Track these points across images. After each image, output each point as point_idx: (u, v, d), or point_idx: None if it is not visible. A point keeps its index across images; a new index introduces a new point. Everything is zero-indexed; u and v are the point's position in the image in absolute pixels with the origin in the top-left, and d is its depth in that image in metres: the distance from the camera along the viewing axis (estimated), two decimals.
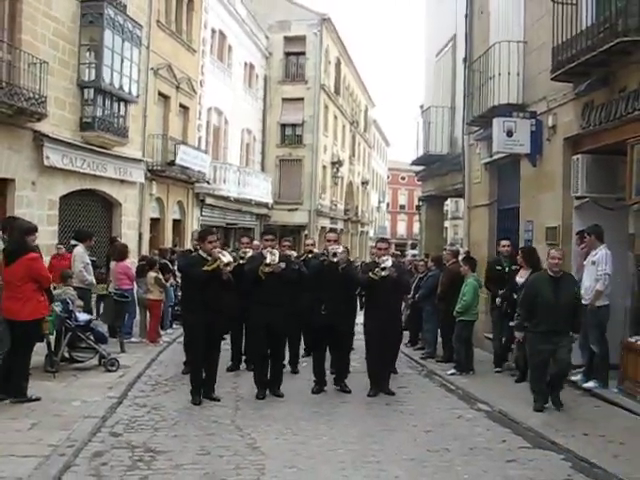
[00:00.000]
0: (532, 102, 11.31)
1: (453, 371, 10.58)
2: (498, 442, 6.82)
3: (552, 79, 9.69)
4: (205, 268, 7.90)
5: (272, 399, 8.38)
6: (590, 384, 8.84)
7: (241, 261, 9.63)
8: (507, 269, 10.66)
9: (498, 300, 10.48)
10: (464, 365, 10.62)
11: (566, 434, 6.96)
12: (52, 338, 9.24)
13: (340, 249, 9.02)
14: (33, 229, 7.78)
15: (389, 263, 8.69)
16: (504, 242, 11.11)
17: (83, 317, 9.66)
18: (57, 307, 9.19)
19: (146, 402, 8.00)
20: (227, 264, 7.90)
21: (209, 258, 8.00)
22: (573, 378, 9.33)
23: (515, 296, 9.69)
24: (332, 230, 10.30)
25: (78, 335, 9.45)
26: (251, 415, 7.54)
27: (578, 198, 10.06)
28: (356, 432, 7.01)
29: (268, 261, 8.25)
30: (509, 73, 11.65)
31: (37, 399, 7.44)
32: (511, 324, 9.54)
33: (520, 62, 11.63)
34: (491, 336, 12.85)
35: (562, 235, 10.27)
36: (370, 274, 8.80)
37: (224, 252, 8.15)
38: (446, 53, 17.64)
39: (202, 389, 8.11)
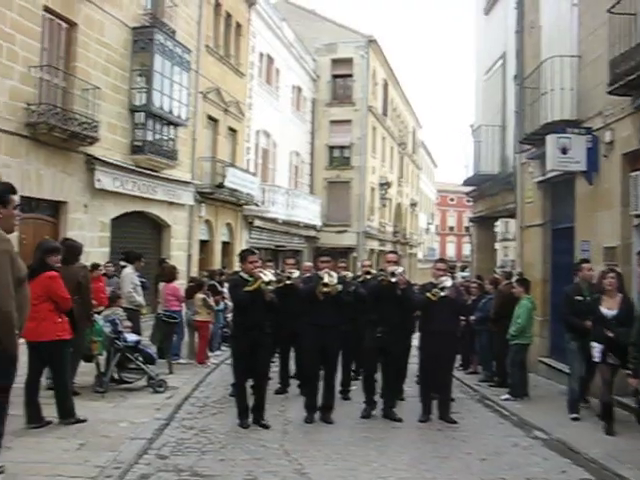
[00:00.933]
0: (587, 118, 10.98)
1: (507, 396, 10.20)
2: (557, 473, 6.50)
3: (609, 93, 9.36)
4: (247, 289, 7.73)
5: (319, 423, 8.17)
6: None
7: (287, 282, 9.51)
8: (588, 298, 8.75)
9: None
10: (519, 390, 10.25)
11: (632, 466, 6.53)
12: (101, 358, 9.26)
13: (400, 269, 8.71)
14: (55, 249, 7.52)
15: (449, 283, 8.48)
16: (587, 265, 9.34)
17: (132, 338, 9.63)
18: (106, 328, 9.22)
19: (193, 424, 7.90)
20: (268, 283, 7.72)
21: (250, 279, 7.82)
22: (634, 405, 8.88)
23: (610, 333, 7.91)
24: (392, 252, 10.03)
25: (127, 356, 9.44)
26: (300, 439, 7.36)
27: (638, 216, 9.65)
28: (407, 459, 6.77)
29: (326, 281, 8.11)
30: (562, 88, 11.35)
31: (84, 420, 7.37)
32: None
33: (574, 77, 11.32)
34: (546, 360, 12.48)
35: (621, 255, 9.84)
36: (428, 295, 8.58)
37: (265, 272, 7.97)
38: (496, 71, 17.39)
39: (250, 412, 7.94)
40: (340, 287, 8.22)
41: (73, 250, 8.54)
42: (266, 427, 7.79)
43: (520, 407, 9.59)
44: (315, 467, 6.31)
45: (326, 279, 8.10)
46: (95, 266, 11.19)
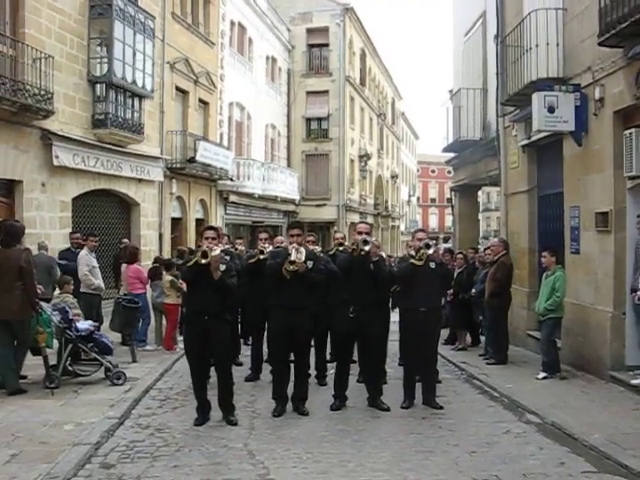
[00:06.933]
0: (575, 74, 10.16)
1: (544, 374, 9.54)
2: (555, 465, 5.76)
3: (600, 44, 8.54)
4: (188, 264, 7.06)
5: (292, 415, 7.41)
6: None
7: (261, 256, 8.75)
8: None
9: None
10: (556, 366, 9.65)
11: (637, 453, 5.85)
12: (49, 351, 8.42)
13: (372, 239, 7.83)
14: None
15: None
16: None
17: (83, 326, 8.79)
18: (55, 317, 8.37)
19: (150, 422, 7.10)
20: (204, 254, 6.77)
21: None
22: (634, 382, 8.24)
23: None
24: (363, 222, 8.92)
25: (79, 347, 8.62)
26: (267, 436, 6.58)
27: (632, 179, 8.89)
28: (388, 456, 6.00)
29: (293, 258, 7.23)
30: (547, 44, 10.52)
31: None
32: None
33: (559, 31, 10.48)
34: (535, 334, 11.84)
35: (614, 221, 9.11)
36: (412, 261, 7.83)
37: (215, 247, 6.99)
38: (476, 31, 16.52)
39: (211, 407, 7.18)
40: (310, 264, 7.38)
41: (12, 231, 7.71)
42: (234, 424, 6.98)
43: (510, 387, 8.90)
44: (282, 471, 5.54)
45: (293, 256, 7.23)
46: None
